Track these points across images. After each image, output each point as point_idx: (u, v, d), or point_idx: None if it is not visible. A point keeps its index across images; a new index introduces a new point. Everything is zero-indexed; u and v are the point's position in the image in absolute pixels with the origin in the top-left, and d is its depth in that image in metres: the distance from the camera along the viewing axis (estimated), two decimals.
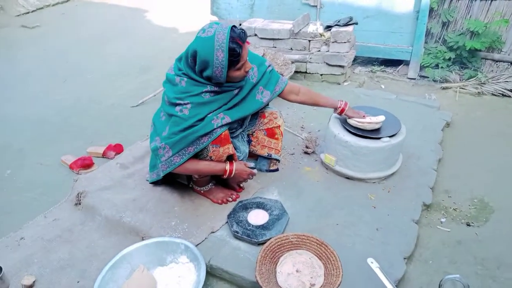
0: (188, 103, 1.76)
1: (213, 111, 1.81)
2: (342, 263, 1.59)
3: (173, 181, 2.22)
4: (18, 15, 6.43)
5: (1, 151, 2.88)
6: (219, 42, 1.66)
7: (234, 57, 1.70)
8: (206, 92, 1.79)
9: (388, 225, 1.97)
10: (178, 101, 1.77)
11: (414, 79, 3.86)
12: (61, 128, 3.18)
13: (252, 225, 1.90)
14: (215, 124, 1.78)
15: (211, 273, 1.75)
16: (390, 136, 2.19)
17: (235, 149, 2.09)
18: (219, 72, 1.72)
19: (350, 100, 3.16)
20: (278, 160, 2.33)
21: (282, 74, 3.22)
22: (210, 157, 1.86)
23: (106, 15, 6.76)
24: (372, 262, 1.60)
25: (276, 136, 2.25)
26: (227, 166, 1.92)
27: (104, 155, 2.71)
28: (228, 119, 1.84)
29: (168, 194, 2.17)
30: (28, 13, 6.58)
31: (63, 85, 4.07)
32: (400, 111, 2.86)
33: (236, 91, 1.89)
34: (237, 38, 1.69)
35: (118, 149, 2.74)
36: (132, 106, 3.46)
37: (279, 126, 2.25)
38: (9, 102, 3.67)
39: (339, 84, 3.68)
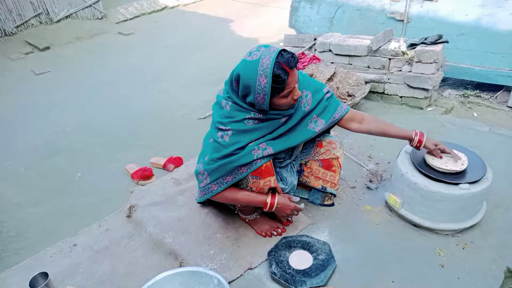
0: (229, 130, 1.67)
1: (255, 140, 1.69)
2: None
3: (221, 204, 2.15)
4: (117, 22, 7.07)
5: (77, 153, 3.11)
6: (263, 67, 1.54)
7: (279, 84, 1.56)
8: (250, 119, 1.68)
9: None
10: (220, 126, 1.70)
11: None
12: (132, 135, 3.34)
13: (293, 269, 1.73)
14: (255, 155, 1.66)
15: None
16: (470, 183, 1.84)
17: (281, 180, 1.94)
18: (261, 99, 1.59)
19: (431, 129, 2.82)
20: (334, 195, 2.12)
21: (353, 95, 2.98)
22: (250, 188, 1.73)
23: (195, 24, 7.09)
24: None
25: (333, 168, 2.05)
26: (268, 199, 1.77)
27: (164, 167, 2.76)
28: (270, 150, 1.69)
29: (213, 217, 2.10)
30: (126, 20, 7.20)
31: (143, 92, 4.32)
32: (491, 148, 2.46)
33: (283, 119, 1.74)
34: (284, 63, 1.55)
35: (178, 162, 2.77)
36: (199, 118, 3.51)
37: (338, 158, 2.04)
38: (93, 106, 4.00)
39: (422, 109, 3.28)
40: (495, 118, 3.18)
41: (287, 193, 1.95)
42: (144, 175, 2.61)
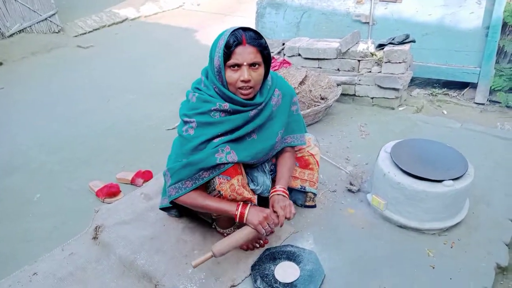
0: (193, 122, 1.58)
1: (221, 135, 1.58)
2: None
3: (197, 217, 2.00)
4: (76, 36, 6.77)
5: (35, 173, 2.86)
6: (225, 32, 1.53)
7: (228, 48, 1.50)
8: (216, 110, 1.58)
9: None
10: (185, 118, 1.61)
11: (483, 104, 3.36)
12: (95, 149, 3.12)
13: (280, 282, 1.60)
14: (218, 159, 1.54)
15: None
16: (454, 179, 1.80)
17: (252, 181, 1.81)
18: (217, 62, 1.53)
19: (406, 129, 2.81)
20: (314, 194, 2.02)
21: (326, 98, 2.93)
22: (219, 191, 1.60)
23: (157, 35, 6.92)
24: None
25: (310, 166, 1.95)
26: (239, 208, 1.60)
27: (132, 182, 2.57)
28: (234, 157, 1.58)
29: (189, 233, 1.94)
30: (85, 33, 6.91)
31: (106, 105, 4.09)
32: (465, 144, 2.45)
33: (252, 113, 1.63)
34: (243, 35, 1.50)
35: (147, 176, 2.59)
36: (167, 129, 3.34)
37: (314, 155, 1.95)
38: (51, 123, 3.73)
39: (393, 109, 3.29)
40: (464, 114, 3.23)
41: (259, 194, 1.83)
42: (110, 192, 2.41)
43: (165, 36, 6.79)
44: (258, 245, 1.83)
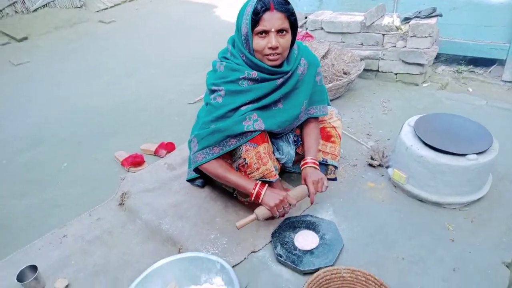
0: (222, 90, 1.60)
1: (248, 103, 1.60)
2: None
3: (218, 187, 2.05)
4: (97, 11, 6.81)
5: (62, 143, 2.96)
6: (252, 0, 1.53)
7: (255, 14, 1.49)
8: (244, 79, 1.60)
9: (469, 265, 1.58)
10: (213, 87, 1.63)
11: (511, 82, 3.24)
12: (119, 123, 3.19)
13: (299, 250, 1.64)
14: (246, 127, 1.56)
15: None
16: (478, 153, 1.78)
17: (277, 150, 1.84)
18: (245, 29, 1.53)
19: (430, 105, 2.77)
20: (336, 167, 2.04)
21: (349, 73, 2.89)
22: (244, 159, 1.63)
23: (178, 10, 6.88)
24: None
25: (332, 139, 1.96)
26: (256, 188, 1.61)
27: (155, 153, 2.63)
28: (261, 125, 1.60)
29: (211, 201, 2.00)
30: (106, 9, 6.94)
31: (128, 79, 4.15)
32: (490, 121, 2.40)
33: (279, 81, 1.64)
34: (270, 1, 1.49)
35: (169, 147, 2.64)
36: (189, 103, 3.38)
37: (336, 128, 1.95)
38: (76, 95, 3.82)
39: (417, 85, 3.22)
40: (490, 92, 3.13)
41: (284, 163, 1.86)
42: (135, 161, 2.48)
43: (185, 11, 6.76)
44: (276, 216, 1.85)
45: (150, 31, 5.81)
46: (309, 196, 1.72)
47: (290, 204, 1.65)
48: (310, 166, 1.76)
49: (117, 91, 3.83)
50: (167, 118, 3.18)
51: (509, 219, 1.81)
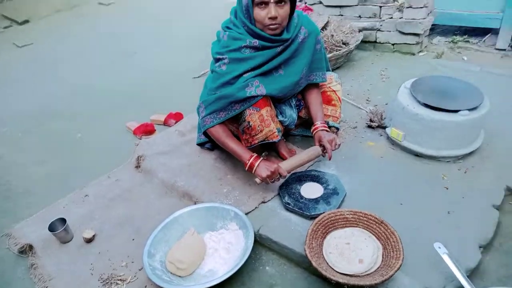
0: (226, 58, 1.72)
1: (251, 70, 1.72)
2: (403, 246, 1.43)
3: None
4: None
5: (74, 117, 3.08)
6: None
7: None
8: (246, 47, 1.72)
9: (462, 208, 1.73)
10: (218, 56, 1.76)
11: (504, 50, 3.36)
12: (127, 97, 3.31)
13: (305, 198, 1.79)
14: (248, 92, 1.69)
15: (260, 242, 1.70)
16: (470, 110, 1.91)
17: (281, 113, 1.97)
18: (245, 0, 1.65)
19: (424, 72, 2.88)
20: (337, 129, 2.17)
21: (347, 43, 3.00)
22: (248, 122, 1.76)
23: None
24: (439, 247, 1.42)
25: (333, 102, 2.09)
26: (251, 159, 1.74)
27: (165, 123, 2.76)
28: (263, 90, 1.72)
29: (221, 162, 2.14)
30: None
31: (132, 58, 4.24)
32: (484, 85, 2.50)
33: (279, 48, 1.76)
34: None
35: (178, 117, 2.77)
36: (194, 77, 3.49)
37: (336, 92, 2.08)
38: (82, 72, 3.93)
39: (414, 54, 3.33)
40: (484, 60, 3.25)
41: (287, 125, 1.99)
42: (147, 129, 2.61)
43: None
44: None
45: (150, 12, 5.86)
46: (323, 155, 1.89)
47: (280, 175, 1.78)
48: (322, 129, 1.91)
49: (122, 69, 3.94)
50: (174, 91, 3.30)
51: (499, 169, 1.95)
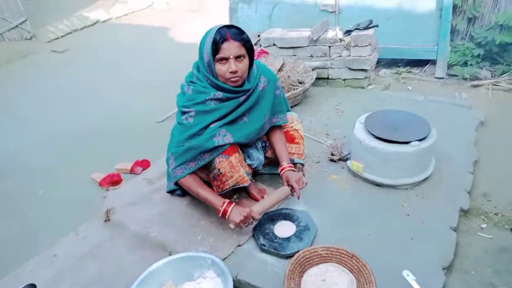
0: (192, 111, 1.80)
1: (217, 120, 1.81)
2: (375, 277, 1.52)
3: None
4: (49, 41, 6.75)
5: (34, 172, 2.96)
6: (211, 31, 1.74)
7: (215, 45, 1.72)
8: (211, 100, 1.81)
9: (424, 233, 1.86)
10: (184, 109, 1.83)
11: (442, 78, 3.72)
12: (90, 146, 3.25)
13: (279, 238, 1.85)
14: (216, 142, 1.78)
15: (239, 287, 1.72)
16: (419, 140, 2.10)
17: (248, 157, 2.06)
18: (207, 57, 1.75)
19: (375, 105, 3.11)
20: (302, 165, 2.28)
21: (303, 82, 3.19)
22: (218, 169, 1.83)
23: (131, 35, 6.98)
24: (408, 275, 1.52)
25: (296, 140, 2.20)
26: (224, 205, 1.81)
27: (132, 171, 2.75)
28: (230, 139, 1.82)
29: (193, 208, 2.16)
30: (57, 38, 6.89)
31: (89, 104, 4.19)
32: (429, 113, 2.77)
33: (242, 98, 1.87)
34: (227, 32, 1.71)
35: (145, 164, 2.77)
36: (157, 121, 3.52)
37: (298, 130, 2.21)
38: (37, 125, 3.79)
39: (363, 88, 3.60)
40: (427, 89, 3.58)
41: (255, 167, 2.08)
42: (113, 180, 2.59)
43: (139, 36, 6.88)
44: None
45: (105, 57, 5.86)
46: (292, 195, 1.99)
47: (253, 219, 1.85)
48: (288, 169, 2.00)
49: (81, 117, 3.87)
50: (138, 136, 3.30)
51: (452, 192, 2.13)
